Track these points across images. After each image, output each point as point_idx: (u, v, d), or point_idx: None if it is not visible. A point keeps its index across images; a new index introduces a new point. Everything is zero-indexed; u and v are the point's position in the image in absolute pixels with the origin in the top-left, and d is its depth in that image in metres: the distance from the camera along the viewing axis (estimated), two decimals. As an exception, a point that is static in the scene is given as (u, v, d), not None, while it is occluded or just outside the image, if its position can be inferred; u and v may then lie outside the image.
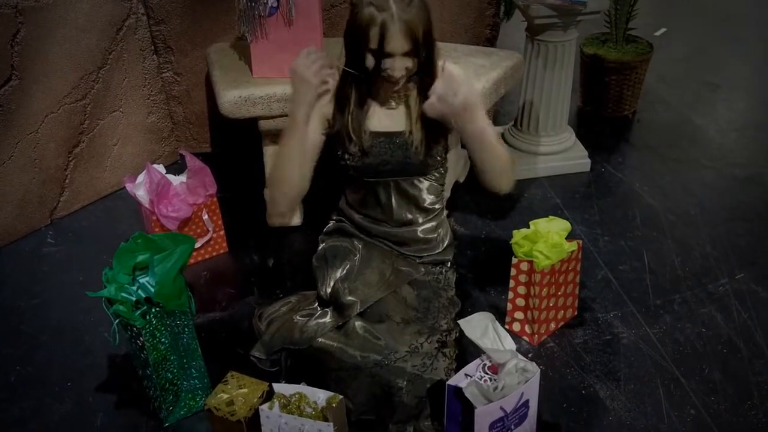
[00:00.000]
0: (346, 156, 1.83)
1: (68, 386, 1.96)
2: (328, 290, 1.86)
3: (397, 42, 1.64)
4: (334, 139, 1.83)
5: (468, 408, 1.55)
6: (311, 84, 1.73)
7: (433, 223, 1.95)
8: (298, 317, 1.85)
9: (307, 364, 1.78)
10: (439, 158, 1.88)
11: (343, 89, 1.79)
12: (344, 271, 1.89)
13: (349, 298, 1.82)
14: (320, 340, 1.75)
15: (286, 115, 1.90)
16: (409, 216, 1.92)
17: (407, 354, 1.72)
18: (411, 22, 1.63)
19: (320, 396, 1.65)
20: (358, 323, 1.76)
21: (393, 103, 1.82)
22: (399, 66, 1.68)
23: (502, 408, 1.55)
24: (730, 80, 3.60)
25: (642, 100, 3.33)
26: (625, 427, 1.79)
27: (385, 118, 1.83)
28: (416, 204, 1.92)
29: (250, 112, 2.27)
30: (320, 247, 2.00)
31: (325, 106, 1.81)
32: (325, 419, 1.61)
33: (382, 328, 1.75)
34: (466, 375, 1.63)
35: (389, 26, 1.63)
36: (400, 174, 1.86)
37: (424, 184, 1.91)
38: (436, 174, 1.92)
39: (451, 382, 1.59)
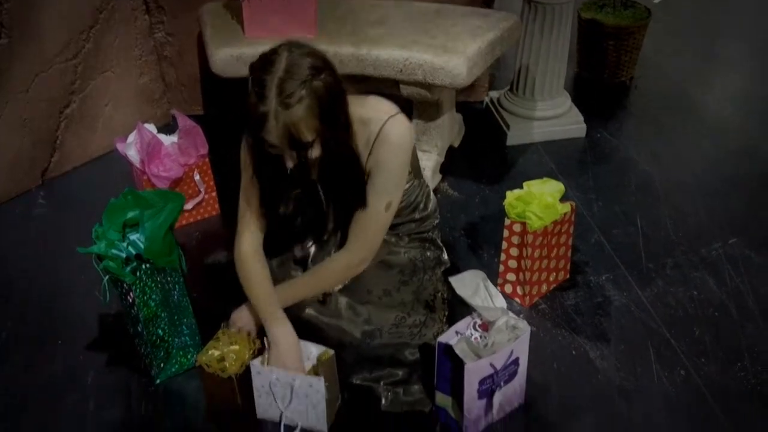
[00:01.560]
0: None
1: (59, 344, 1.95)
2: (300, 254, 1.85)
3: (276, 139, 1.47)
4: None
5: (458, 365, 1.55)
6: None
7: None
8: (291, 273, 1.85)
9: (297, 327, 1.77)
10: None
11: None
12: (318, 241, 1.87)
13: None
14: (308, 311, 1.74)
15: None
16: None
17: (393, 327, 1.73)
18: (290, 123, 1.44)
19: (312, 351, 1.65)
20: (342, 300, 1.75)
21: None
22: (288, 157, 1.52)
23: (491, 365, 1.55)
24: (728, 51, 3.57)
25: (639, 69, 3.31)
26: (615, 388, 1.80)
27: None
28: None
29: (242, 71, 2.23)
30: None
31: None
32: (316, 374, 1.62)
33: (365, 306, 1.74)
34: (457, 332, 1.63)
35: (267, 120, 1.44)
36: None
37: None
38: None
39: (442, 339, 1.59)
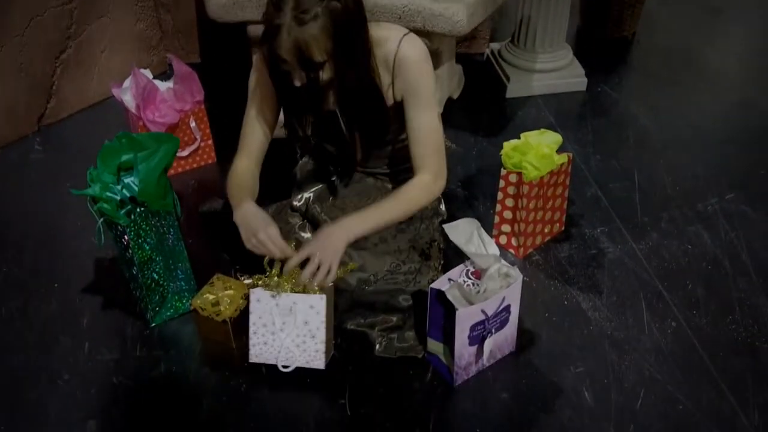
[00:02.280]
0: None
1: (54, 288, 1.97)
2: (297, 203, 1.87)
3: (285, 54, 1.47)
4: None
5: (450, 311, 1.56)
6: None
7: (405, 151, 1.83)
8: (289, 220, 1.86)
9: None
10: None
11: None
12: (317, 192, 1.87)
13: (324, 217, 1.81)
14: None
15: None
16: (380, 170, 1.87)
17: (388, 273, 1.73)
18: (302, 40, 1.44)
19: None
20: None
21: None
22: (297, 76, 1.52)
23: (483, 311, 1.56)
24: (733, 6, 3.52)
25: (642, 23, 3.26)
26: (606, 338, 1.81)
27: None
28: (392, 159, 1.86)
29: (239, 16, 2.21)
30: (301, 161, 1.99)
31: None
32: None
33: (360, 253, 1.74)
34: (450, 279, 1.64)
35: (279, 33, 1.44)
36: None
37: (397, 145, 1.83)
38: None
39: (434, 285, 1.60)
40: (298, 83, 1.54)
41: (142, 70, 2.20)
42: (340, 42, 1.48)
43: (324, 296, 1.59)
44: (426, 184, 1.70)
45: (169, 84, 2.26)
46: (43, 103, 2.57)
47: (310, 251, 1.59)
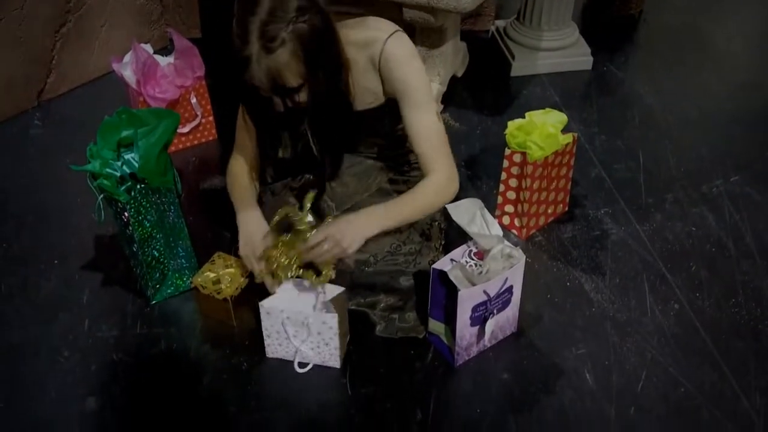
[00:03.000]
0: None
1: (54, 264, 1.96)
2: (295, 185, 1.85)
3: (259, 83, 1.44)
4: None
5: (452, 292, 1.55)
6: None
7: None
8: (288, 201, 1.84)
9: None
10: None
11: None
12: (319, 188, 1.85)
13: (325, 196, 1.80)
14: None
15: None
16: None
17: (388, 254, 1.72)
18: (273, 69, 1.40)
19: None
20: None
21: None
22: (275, 102, 1.50)
23: (485, 292, 1.55)
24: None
25: (649, 1, 3.22)
26: (608, 319, 1.81)
27: None
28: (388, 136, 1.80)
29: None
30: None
31: None
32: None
33: None
34: (452, 260, 1.63)
35: (250, 64, 1.41)
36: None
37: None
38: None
39: (437, 266, 1.59)
40: (279, 108, 1.51)
41: (142, 45, 2.17)
42: (311, 63, 1.43)
43: (336, 315, 1.57)
44: (441, 186, 1.61)
45: (170, 59, 2.23)
46: (42, 77, 2.55)
47: (328, 232, 1.55)
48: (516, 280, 1.63)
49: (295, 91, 1.47)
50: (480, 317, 1.60)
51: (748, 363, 1.70)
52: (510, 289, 1.62)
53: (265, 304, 1.60)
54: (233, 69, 1.48)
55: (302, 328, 1.60)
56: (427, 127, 1.59)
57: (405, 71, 1.56)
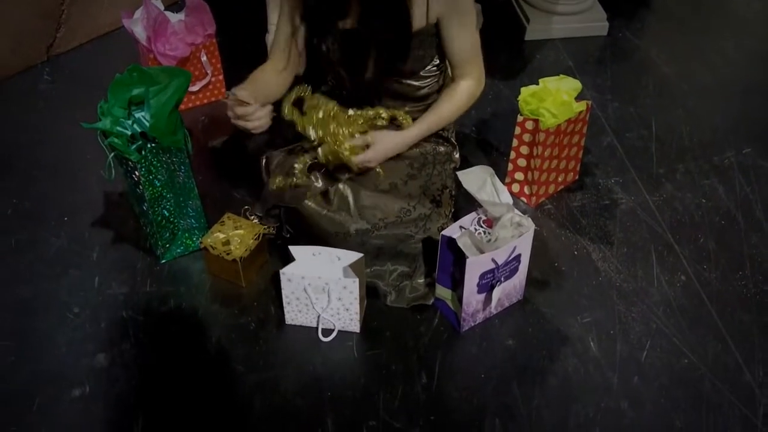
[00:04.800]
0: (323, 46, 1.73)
1: (64, 221, 1.97)
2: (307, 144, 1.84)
3: None
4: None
5: (460, 259, 1.56)
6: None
7: (428, 87, 1.83)
8: (295, 165, 1.83)
9: (302, 224, 1.76)
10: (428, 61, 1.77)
11: None
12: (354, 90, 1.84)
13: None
14: (308, 203, 1.72)
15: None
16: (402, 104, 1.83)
17: (397, 219, 1.71)
18: None
19: (340, 255, 1.64)
20: (346, 189, 1.74)
21: None
22: None
23: (493, 260, 1.56)
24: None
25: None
26: (615, 288, 1.81)
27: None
28: (408, 97, 1.82)
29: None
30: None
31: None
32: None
33: (370, 195, 1.73)
34: (461, 227, 1.63)
35: None
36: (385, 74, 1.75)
37: (416, 81, 1.79)
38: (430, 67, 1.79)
39: (446, 233, 1.59)
40: None
41: (153, 1, 2.15)
42: None
43: (357, 279, 1.58)
44: (472, 90, 1.79)
45: (180, 16, 2.20)
46: (52, 32, 2.52)
47: (366, 139, 1.71)
48: (524, 248, 1.63)
49: None
50: (487, 285, 1.61)
51: (753, 336, 1.71)
52: (518, 258, 1.63)
53: (286, 272, 1.61)
54: None
55: (322, 294, 1.61)
56: (472, 44, 1.73)
57: None
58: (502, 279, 1.63)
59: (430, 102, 1.82)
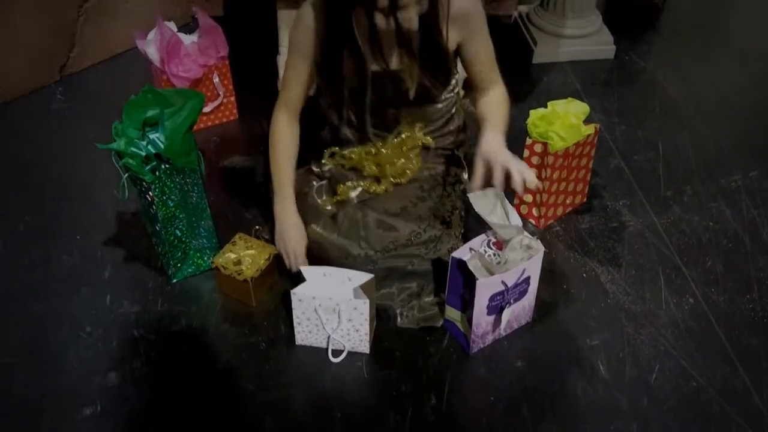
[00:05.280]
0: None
1: (77, 239, 1.98)
2: (317, 169, 1.87)
3: None
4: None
5: (470, 280, 1.57)
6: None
7: (444, 112, 1.85)
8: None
9: (309, 248, 1.79)
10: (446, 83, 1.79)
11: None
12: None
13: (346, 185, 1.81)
14: (315, 228, 1.75)
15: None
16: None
17: (408, 242, 1.73)
18: None
19: (350, 276, 1.65)
20: (356, 213, 1.76)
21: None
22: (379, 19, 1.50)
23: (503, 282, 1.57)
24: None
25: (674, -11, 3.19)
26: (623, 311, 1.82)
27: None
28: (426, 118, 1.83)
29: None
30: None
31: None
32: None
33: (380, 219, 1.75)
34: (471, 249, 1.64)
35: None
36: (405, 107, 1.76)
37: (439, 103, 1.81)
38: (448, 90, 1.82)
39: (456, 254, 1.60)
40: (381, 26, 1.51)
41: (166, 23, 2.18)
42: None
43: (367, 300, 1.60)
44: (506, 96, 1.82)
45: (193, 38, 2.24)
46: (65, 51, 2.56)
47: (485, 158, 1.61)
48: (534, 271, 1.64)
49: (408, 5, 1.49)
50: (497, 306, 1.62)
51: (761, 359, 1.72)
52: (527, 280, 1.64)
53: (297, 292, 1.62)
54: None
55: (332, 315, 1.63)
56: (492, 53, 1.80)
57: (479, 18, 1.71)
58: (512, 301, 1.64)
59: (446, 119, 1.83)
